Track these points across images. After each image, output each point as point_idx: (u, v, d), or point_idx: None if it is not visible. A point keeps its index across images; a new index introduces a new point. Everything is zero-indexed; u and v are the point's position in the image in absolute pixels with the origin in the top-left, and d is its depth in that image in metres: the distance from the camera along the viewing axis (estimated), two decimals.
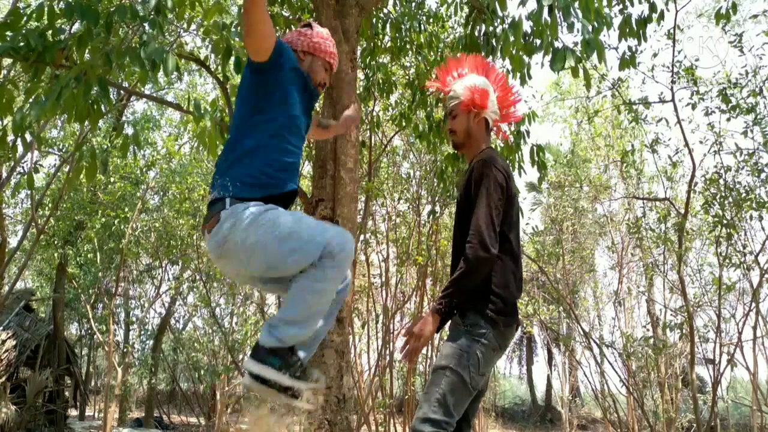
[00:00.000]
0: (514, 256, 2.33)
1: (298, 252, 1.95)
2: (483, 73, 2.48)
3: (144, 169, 12.28)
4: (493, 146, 2.53)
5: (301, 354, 2.03)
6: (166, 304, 15.37)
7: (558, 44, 3.87)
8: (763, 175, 7.20)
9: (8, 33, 3.34)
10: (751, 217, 7.38)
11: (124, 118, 12.00)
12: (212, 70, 5.10)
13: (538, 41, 4.14)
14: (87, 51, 3.37)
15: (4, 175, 9.51)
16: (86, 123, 3.65)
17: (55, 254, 12.08)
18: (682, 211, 7.64)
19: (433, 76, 5.76)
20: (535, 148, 4.89)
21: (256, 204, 2.01)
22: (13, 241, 12.97)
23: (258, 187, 2.04)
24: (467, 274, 2.21)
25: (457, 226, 2.38)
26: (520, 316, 2.39)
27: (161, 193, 13.22)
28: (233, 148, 2.10)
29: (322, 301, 2.01)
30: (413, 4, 6.07)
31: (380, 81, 6.30)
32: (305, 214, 2.09)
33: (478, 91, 2.40)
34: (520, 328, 2.44)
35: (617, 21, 4.49)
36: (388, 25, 5.96)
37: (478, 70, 2.49)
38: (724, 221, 7.00)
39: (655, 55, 7.59)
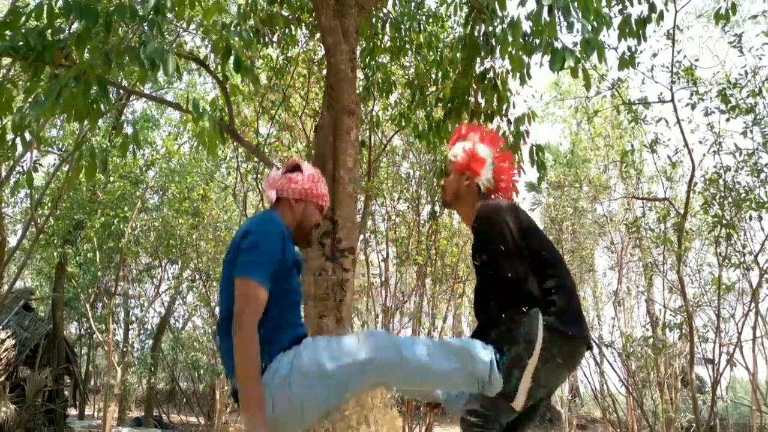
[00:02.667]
0: (550, 265, 2.33)
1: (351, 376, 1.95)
2: (489, 144, 2.59)
3: (143, 169, 12.27)
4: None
5: (485, 357, 2.01)
6: (166, 304, 15.39)
7: (557, 44, 3.86)
8: (762, 175, 7.20)
9: (7, 32, 3.33)
10: (750, 218, 7.38)
11: (123, 118, 11.98)
12: (212, 69, 5.10)
13: (538, 41, 4.14)
14: (86, 50, 3.36)
15: (4, 174, 9.51)
16: (86, 122, 3.64)
17: (55, 253, 12.07)
18: (682, 211, 7.64)
19: (433, 76, 5.80)
20: (534, 148, 4.89)
21: (279, 362, 1.98)
22: (12, 241, 12.96)
23: (273, 347, 2.01)
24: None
25: (478, 280, 2.45)
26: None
27: (161, 193, 13.23)
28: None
29: (438, 353, 2.00)
30: (413, 3, 6.07)
31: (380, 81, 6.30)
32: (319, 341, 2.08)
33: (474, 156, 2.52)
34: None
35: (617, 21, 4.49)
36: (387, 25, 5.96)
37: (485, 139, 2.60)
38: (724, 221, 7.00)
39: (654, 55, 7.59)
